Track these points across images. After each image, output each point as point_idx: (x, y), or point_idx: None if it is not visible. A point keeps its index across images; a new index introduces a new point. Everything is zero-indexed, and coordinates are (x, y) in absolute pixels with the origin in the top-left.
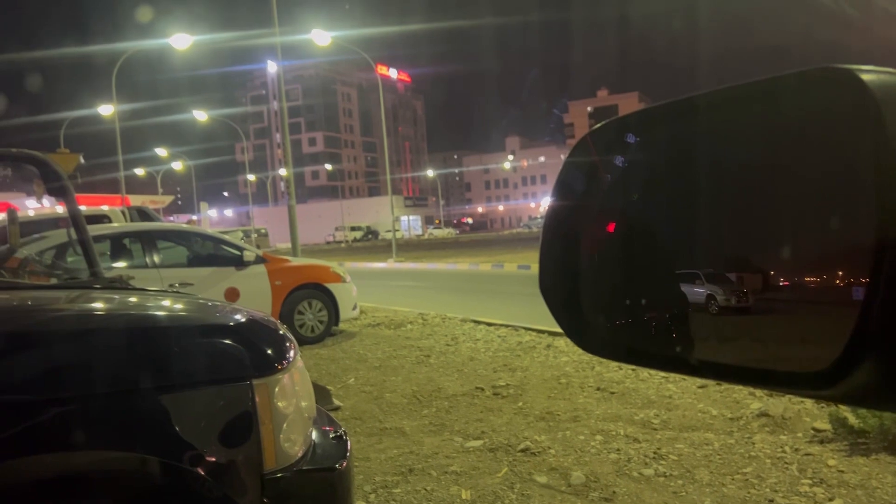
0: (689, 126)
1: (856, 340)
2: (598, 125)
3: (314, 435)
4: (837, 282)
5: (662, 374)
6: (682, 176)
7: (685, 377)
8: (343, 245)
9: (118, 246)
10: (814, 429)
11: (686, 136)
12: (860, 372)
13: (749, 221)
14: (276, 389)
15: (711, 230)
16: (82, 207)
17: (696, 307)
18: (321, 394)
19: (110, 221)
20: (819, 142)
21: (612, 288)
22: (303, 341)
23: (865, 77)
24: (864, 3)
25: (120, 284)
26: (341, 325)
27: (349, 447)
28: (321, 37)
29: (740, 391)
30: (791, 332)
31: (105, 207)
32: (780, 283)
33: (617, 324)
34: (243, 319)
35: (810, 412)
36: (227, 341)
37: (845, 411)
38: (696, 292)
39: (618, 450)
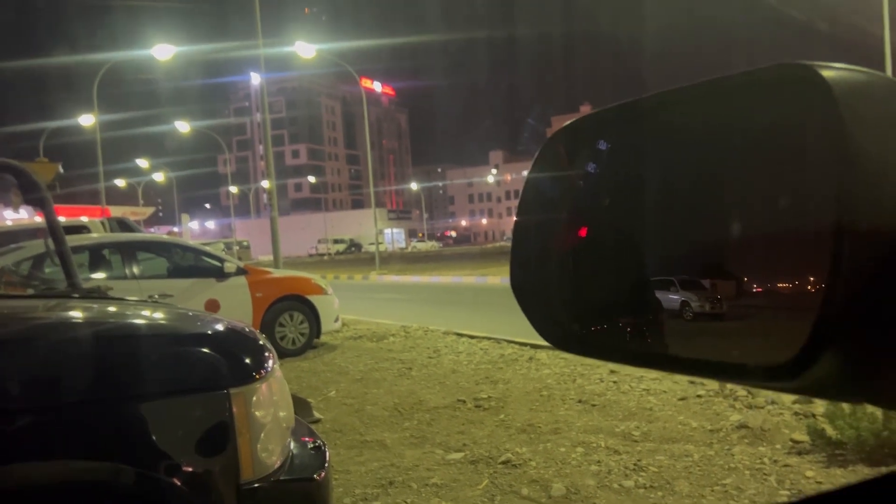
0: (650, 126)
1: (817, 333)
2: (564, 126)
3: (292, 445)
4: (802, 278)
5: (643, 387)
6: (648, 180)
7: (665, 390)
8: (326, 258)
9: (97, 257)
10: (792, 440)
11: (648, 137)
12: (820, 364)
13: (718, 224)
14: (254, 399)
15: (681, 235)
16: (61, 219)
17: (670, 314)
18: (301, 406)
19: (89, 232)
20: (781, 139)
21: (585, 292)
22: (284, 354)
23: (825, 73)
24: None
25: (98, 295)
26: (323, 338)
27: (328, 458)
28: (305, 49)
29: (720, 403)
30: (759, 328)
31: (84, 219)
32: (750, 285)
33: (591, 327)
34: (220, 328)
35: (789, 424)
36: (203, 350)
37: (823, 423)
38: (671, 299)
39: (599, 462)
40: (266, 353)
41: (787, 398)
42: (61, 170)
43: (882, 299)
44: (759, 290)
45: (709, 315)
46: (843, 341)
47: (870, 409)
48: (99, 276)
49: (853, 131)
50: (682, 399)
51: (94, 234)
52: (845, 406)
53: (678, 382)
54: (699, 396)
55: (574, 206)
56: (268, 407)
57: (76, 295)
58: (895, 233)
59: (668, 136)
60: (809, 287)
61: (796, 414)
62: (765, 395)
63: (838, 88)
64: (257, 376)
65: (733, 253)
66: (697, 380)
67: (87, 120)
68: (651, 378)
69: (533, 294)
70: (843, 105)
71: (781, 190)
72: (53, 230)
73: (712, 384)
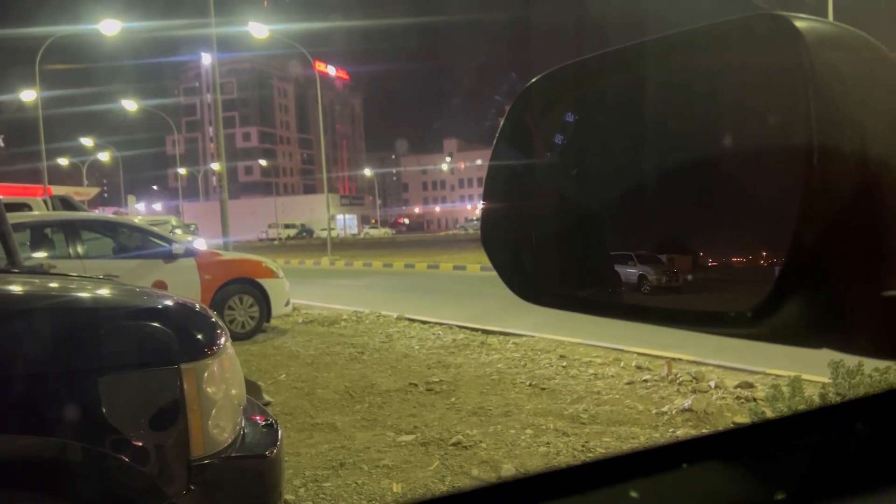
0: (620, 83)
1: (783, 279)
2: (526, 86)
3: (244, 423)
4: (771, 230)
5: (591, 371)
6: (613, 152)
7: (613, 375)
8: (276, 243)
9: (39, 235)
10: (734, 423)
11: (613, 96)
12: (784, 311)
13: (681, 192)
14: (205, 375)
15: (643, 207)
16: None
17: (629, 287)
18: (251, 389)
19: (30, 210)
20: (751, 91)
21: (551, 255)
22: (233, 337)
23: (798, 24)
24: None
25: (41, 271)
26: (273, 322)
27: (280, 435)
28: (258, 30)
29: (666, 388)
30: (725, 280)
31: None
32: (713, 254)
33: (556, 282)
34: (171, 304)
35: (731, 407)
36: (153, 325)
37: (764, 406)
38: (629, 273)
39: (547, 443)
40: (218, 331)
41: (730, 382)
42: (1, 143)
43: (848, 244)
44: (724, 257)
45: (665, 288)
46: (807, 287)
47: (807, 392)
48: (41, 255)
49: (825, 80)
50: (628, 384)
51: (37, 213)
52: (784, 389)
53: (625, 368)
54: (645, 381)
55: (542, 175)
56: (219, 383)
57: (16, 271)
58: (865, 177)
59: (634, 96)
60: (775, 247)
61: (738, 398)
62: (709, 379)
63: (811, 38)
64: (209, 352)
65: (697, 222)
66: (644, 365)
67: (28, 95)
68: (599, 363)
69: (500, 248)
70: (816, 54)
71: (751, 144)
72: None
73: (658, 369)
